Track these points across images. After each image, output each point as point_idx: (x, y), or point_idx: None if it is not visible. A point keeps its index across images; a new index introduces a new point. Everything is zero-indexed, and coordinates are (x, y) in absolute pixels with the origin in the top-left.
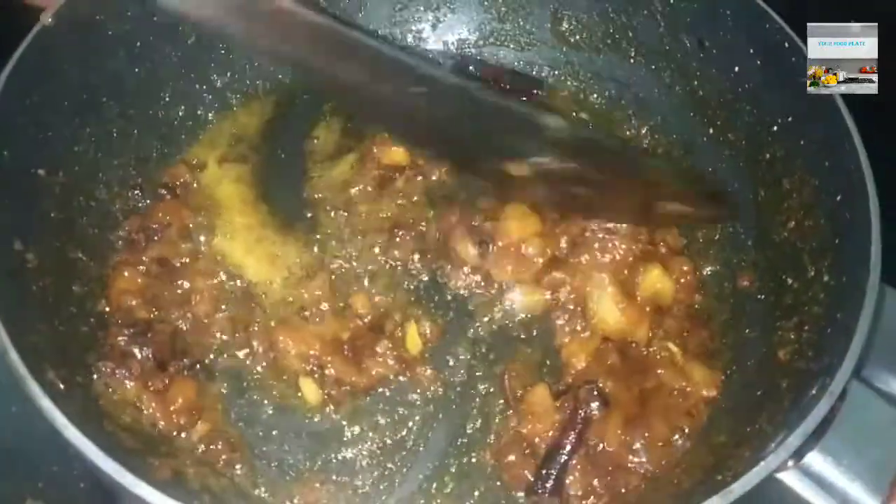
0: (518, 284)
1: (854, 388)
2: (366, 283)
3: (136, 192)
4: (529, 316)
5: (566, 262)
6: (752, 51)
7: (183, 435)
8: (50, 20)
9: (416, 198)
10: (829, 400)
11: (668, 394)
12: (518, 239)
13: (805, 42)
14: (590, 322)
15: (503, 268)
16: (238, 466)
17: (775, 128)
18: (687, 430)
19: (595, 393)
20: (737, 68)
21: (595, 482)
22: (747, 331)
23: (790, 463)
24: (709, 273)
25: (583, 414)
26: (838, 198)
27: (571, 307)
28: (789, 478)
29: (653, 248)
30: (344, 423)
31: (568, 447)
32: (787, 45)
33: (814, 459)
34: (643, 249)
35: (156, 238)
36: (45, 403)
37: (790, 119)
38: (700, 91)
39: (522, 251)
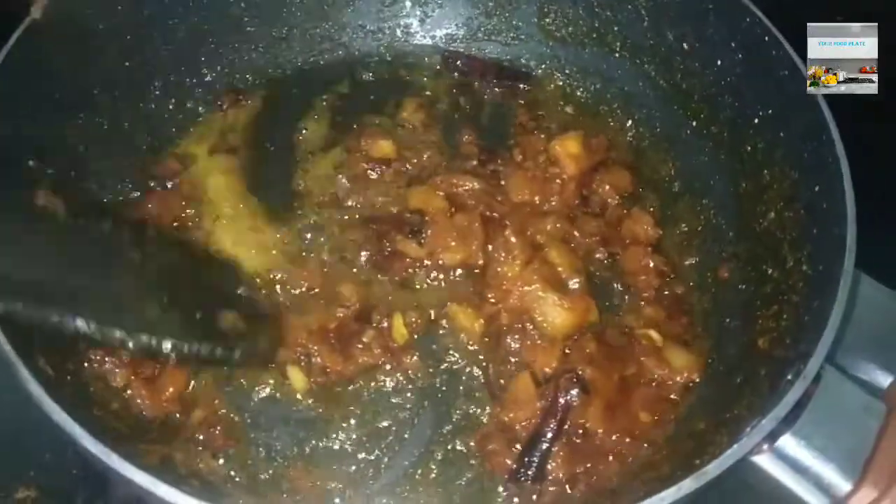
0: (457, 306)
1: (828, 374)
2: (353, 273)
3: (126, 184)
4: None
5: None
6: (733, 45)
7: (176, 421)
8: (39, 13)
9: (402, 190)
10: (802, 384)
11: (649, 381)
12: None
13: (788, 39)
14: (543, 333)
15: (448, 249)
16: (230, 452)
17: (756, 120)
18: (667, 417)
19: (575, 380)
20: (719, 62)
21: (577, 468)
22: (728, 320)
23: (764, 446)
24: (690, 264)
25: (563, 401)
26: (816, 189)
27: (519, 326)
28: (763, 461)
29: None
30: (330, 410)
31: (549, 434)
32: (766, 38)
33: (787, 443)
34: (535, 239)
35: None
36: (35, 389)
37: (770, 112)
38: (683, 85)
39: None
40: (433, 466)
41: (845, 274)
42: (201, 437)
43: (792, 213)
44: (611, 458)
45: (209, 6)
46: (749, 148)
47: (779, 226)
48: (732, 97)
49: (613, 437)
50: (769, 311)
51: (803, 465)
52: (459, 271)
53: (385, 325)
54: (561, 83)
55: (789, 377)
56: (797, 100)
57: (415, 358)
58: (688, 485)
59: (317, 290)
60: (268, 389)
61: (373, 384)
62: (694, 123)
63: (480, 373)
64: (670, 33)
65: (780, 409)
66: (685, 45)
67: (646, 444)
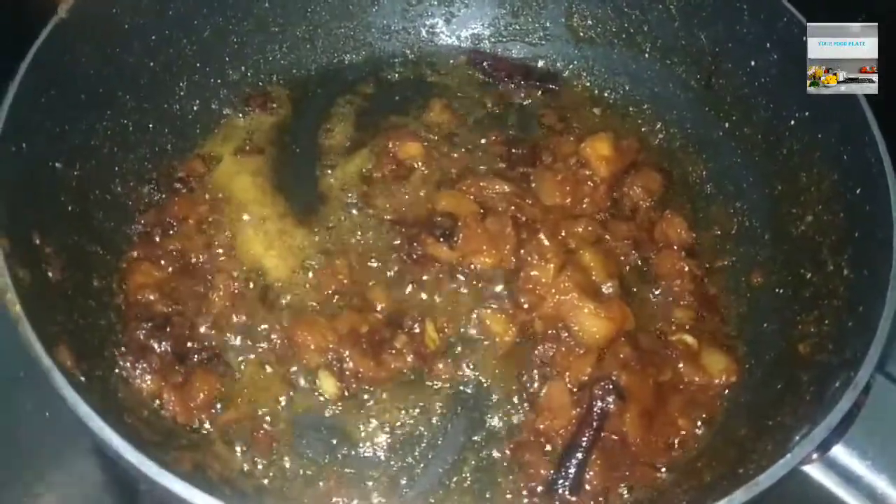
0: (490, 312)
1: (878, 382)
2: (382, 277)
3: (151, 185)
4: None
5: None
6: (768, 45)
7: (207, 428)
8: (66, 13)
9: (431, 192)
10: (853, 393)
11: (685, 386)
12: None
13: None
14: (579, 341)
15: (479, 252)
16: (262, 459)
17: (792, 122)
18: (706, 423)
19: (610, 387)
20: (753, 63)
21: (615, 477)
22: (765, 324)
23: (815, 456)
24: (724, 268)
25: (599, 409)
26: (858, 191)
27: (553, 333)
28: (815, 471)
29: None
30: (362, 416)
31: (585, 443)
32: (804, 38)
33: (839, 452)
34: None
35: (171, 232)
36: (70, 394)
37: (807, 113)
38: (715, 86)
39: (488, 226)
40: (467, 474)
41: (893, 280)
42: (233, 445)
43: (831, 215)
44: (649, 466)
45: (234, 6)
46: (785, 150)
47: (817, 229)
48: (767, 98)
49: (651, 445)
50: (809, 315)
51: (856, 475)
52: (492, 275)
53: (417, 330)
54: (589, 84)
55: (836, 385)
56: (836, 100)
57: (447, 364)
58: (739, 496)
59: (346, 294)
60: (298, 395)
61: (405, 390)
62: (726, 125)
63: (513, 380)
64: (702, 34)
65: (832, 419)
66: (717, 46)
67: (685, 451)
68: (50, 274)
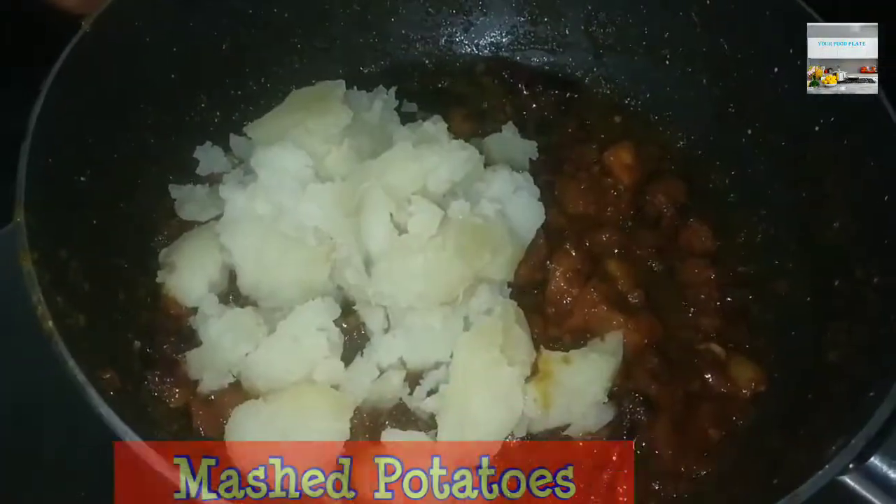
0: None
1: None
2: None
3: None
4: None
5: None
6: (791, 51)
7: None
8: (89, 28)
9: None
10: (890, 402)
11: (715, 396)
12: None
13: None
14: None
15: None
16: None
17: (817, 128)
18: (736, 433)
19: (640, 399)
20: (776, 69)
21: (646, 488)
22: (794, 333)
23: (851, 465)
24: (750, 276)
25: (629, 421)
26: (885, 197)
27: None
28: (851, 481)
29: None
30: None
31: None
32: None
33: (877, 462)
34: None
35: None
36: (105, 410)
37: (832, 119)
38: (737, 92)
39: None
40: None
41: None
42: None
43: (858, 222)
44: (681, 476)
45: (253, 18)
46: (809, 156)
47: (845, 236)
48: (790, 104)
49: (682, 455)
50: (839, 324)
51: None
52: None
53: None
54: (609, 92)
55: (872, 394)
56: (861, 105)
57: None
58: None
59: None
60: None
61: None
62: (749, 132)
63: None
64: (724, 40)
65: (870, 428)
66: (739, 52)
67: (716, 462)
68: (77, 289)
